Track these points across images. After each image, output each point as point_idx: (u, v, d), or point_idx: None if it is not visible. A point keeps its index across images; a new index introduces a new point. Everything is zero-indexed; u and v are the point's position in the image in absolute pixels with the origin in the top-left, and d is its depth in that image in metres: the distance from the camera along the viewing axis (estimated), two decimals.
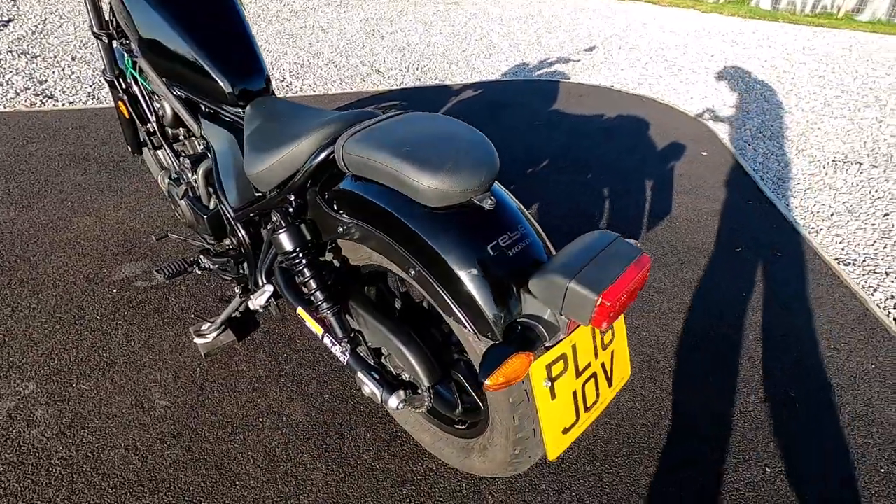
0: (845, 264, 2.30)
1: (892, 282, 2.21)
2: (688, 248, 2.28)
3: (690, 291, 2.02)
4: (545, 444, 0.84)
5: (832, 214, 2.67)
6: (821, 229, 2.54)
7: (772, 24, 6.82)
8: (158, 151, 1.82)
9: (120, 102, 1.68)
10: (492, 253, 0.85)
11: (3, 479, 1.23)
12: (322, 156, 0.98)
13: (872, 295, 2.13)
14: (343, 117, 1.03)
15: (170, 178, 1.56)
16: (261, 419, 1.41)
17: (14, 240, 1.96)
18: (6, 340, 1.57)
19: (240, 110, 1.29)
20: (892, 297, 2.12)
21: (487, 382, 0.75)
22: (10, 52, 3.63)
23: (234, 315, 1.60)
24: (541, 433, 0.99)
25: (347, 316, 1.17)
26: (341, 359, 1.11)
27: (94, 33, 1.57)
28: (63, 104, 3.04)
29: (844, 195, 2.85)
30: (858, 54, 5.55)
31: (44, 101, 3.05)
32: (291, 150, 1.02)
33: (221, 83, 1.25)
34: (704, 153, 3.16)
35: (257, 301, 1.20)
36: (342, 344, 1.10)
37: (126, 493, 1.22)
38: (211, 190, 1.39)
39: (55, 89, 3.20)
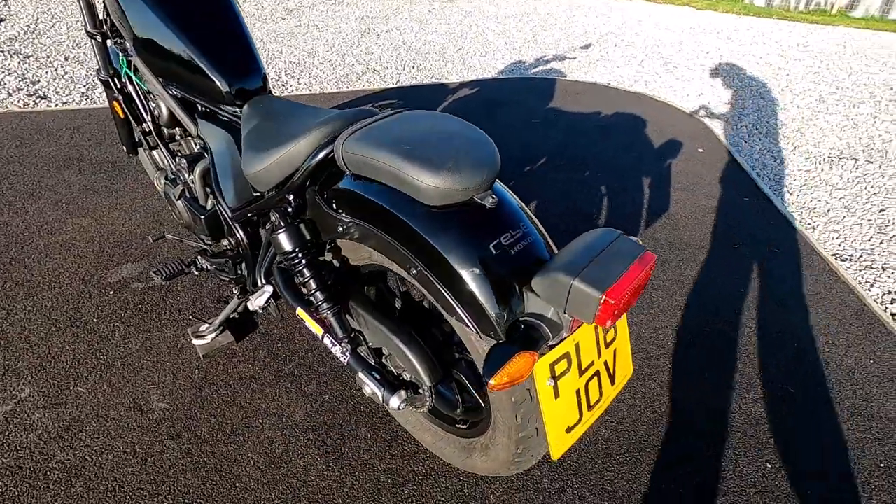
0: (842, 260, 2.31)
1: (889, 277, 2.22)
2: (686, 244, 2.28)
3: (689, 288, 2.02)
4: (549, 444, 0.84)
5: (828, 210, 2.68)
6: (817, 225, 2.55)
7: (766, 20, 6.84)
8: (154, 152, 1.81)
9: (115, 102, 1.66)
10: (494, 252, 0.84)
11: (0, 483, 1.21)
12: (321, 155, 0.97)
13: (869, 290, 2.14)
14: (342, 116, 1.02)
15: (166, 178, 1.55)
16: (260, 420, 1.41)
17: (8, 241, 1.94)
18: (1, 343, 1.55)
19: (237, 110, 1.28)
20: (889, 292, 2.13)
21: (492, 382, 0.74)
22: (2, 52, 3.60)
23: (232, 316, 1.59)
24: (543, 432, 0.99)
25: (347, 316, 1.17)
26: (342, 359, 1.11)
27: (88, 33, 1.55)
28: (56, 104, 3.01)
29: (840, 191, 2.87)
30: (852, 51, 5.57)
31: (37, 101, 3.02)
32: (290, 149, 1.02)
33: (218, 82, 1.24)
34: (701, 150, 3.17)
35: (256, 302, 1.19)
36: (343, 344, 1.10)
37: (125, 497, 1.21)
38: (208, 190, 1.38)
39: (48, 89, 3.17)
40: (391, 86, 3.75)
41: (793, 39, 5.91)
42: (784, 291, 2.04)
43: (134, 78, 1.53)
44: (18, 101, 2.99)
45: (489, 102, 3.58)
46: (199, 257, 1.46)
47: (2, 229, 2.00)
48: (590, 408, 0.88)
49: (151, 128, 1.56)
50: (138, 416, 1.39)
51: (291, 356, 1.59)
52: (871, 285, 2.16)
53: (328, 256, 1.18)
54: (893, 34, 6.47)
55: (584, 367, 0.86)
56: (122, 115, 1.67)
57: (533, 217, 0.93)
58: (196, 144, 1.47)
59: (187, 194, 1.44)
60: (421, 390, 1.08)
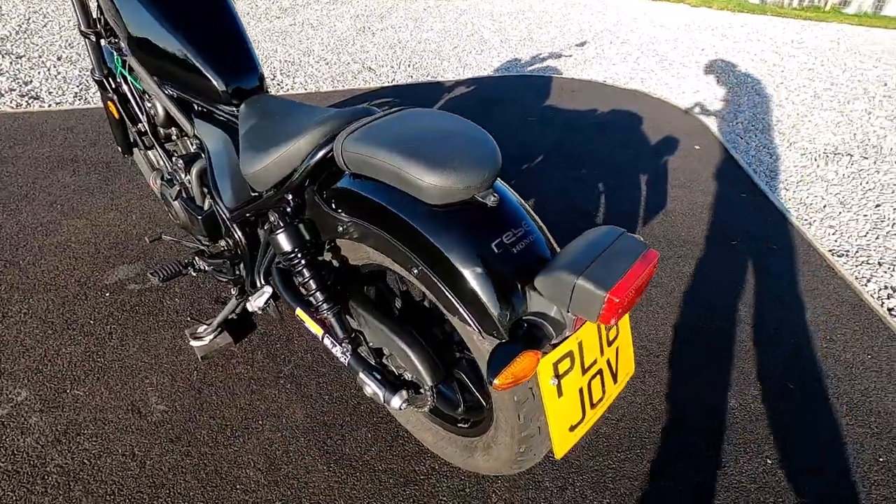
0: (839, 255, 2.32)
1: (885, 272, 2.23)
2: (683, 241, 2.29)
3: (687, 285, 2.02)
4: (552, 443, 0.84)
5: (825, 206, 2.69)
6: (814, 221, 2.56)
7: (760, 17, 6.86)
8: (150, 152, 1.79)
9: (109, 102, 1.64)
10: (496, 250, 0.84)
11: None
12: (320, 154, 0.96)
13: (866, 286, 2.15)
14: (341, 114, 1.02)
15: (162, 178, 1.54)
16: (260, 422, 1.40)
17: (2, 244, 1.92)
18: None
19: (234, 109, 1.27)
20: (886, 287, 2.14)
21: (496, 382, 0.74)
22: None
23: (230, 317, 1.58)
24: (546, 430, 0.99)
25: (347, 316, 1.16)
26: (342, 360, 1.10)
27: (81, 32, 1.53)
28: (49, 105, 2.98)
29: (836, 187, 2.88)
30: (846, 47, 5.60)
31: (29, 101, 2.99)
32: (289, 148, 1.01)
33: (215, 81, 1.23)
34: (697, 147, 3.17)
35: (256, 303, 1.18)
36: (343, 345, 1.09)
37: (124, 500, 1.20)
38: (205, 190, 1.37)
39: (41, 90, 3.14)
40: (387, 84, 3.74)
41: (787, 36, 5.93)
42: (782, 287, 2.05)
43: (129, 77, 1.52)
44: (11, 102, 2.96)
45: (485, 100, 3.58)
46: (196, 258, 1.45)
47: None
48: (592, 406, 0.88)
49: (147, 128, 1.55)
50: (137, 419, 1.38)
51: (290, 357, 1.59)
52: (868, 280, 2.17)
53: (327, 256, 1.17)
54: (886, 30, 6.51)
55: (586, 365, 0.85)
56: (116, 116, 1.66)
57: (534, 215, 0.93)
58: (192, 144, 1.46)
59: (184, 195, 1.43)
60: (422, 390, 1.08)
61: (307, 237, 1.09)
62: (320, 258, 1.16)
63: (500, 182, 0.96)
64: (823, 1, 7.30)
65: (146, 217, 2.12)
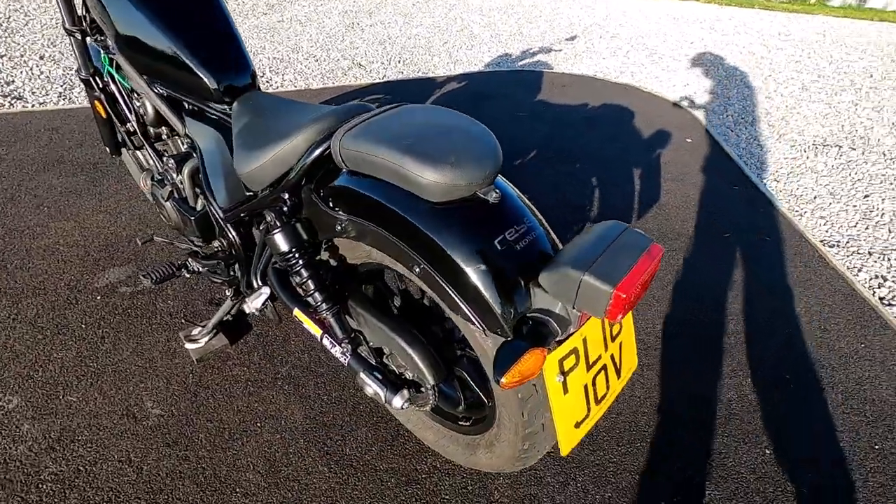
0: (830, 246, 2.34)
1: (875, 262, 2.26)
2: (677, 234, 2.30)
3: (682, 278, 2.03)
4: (558, 440, 0.83)
5: (815, 197, 2.71)
6: (805, 212, 2.58)
7: (748, 10, 6.90)
8: (139, 152, 1.76)
9: (96, 102, 1.61)
10: (499, 247, 0.83)
11: None
12: (317, 152, 0.95)
13: (857, 275, 2.17)
14: (337, 112, 1.00)
15: (152, 179, 1.51)
16: (259, 424, 1.38)
17: None
18: None
19: (226, 107, 1.24)
20: (876, 276, 2.17)
21: (503, 380, 0.73)
22: None
23: (225, 318, 1.56)
24: (549, 427, 0.99)
25: (347, 316, 1.15)
26: (342, 360, 1.09)
27: (66, 30, 1.50)
28: (33, 105, 2.92)
29: (826, 178, 2.91)
30: (832, 39, 5.65)
31: (12, 102, 2.93)
32: (284, 146, 0.99)
33: (206, 79, 1.21)
34: (689, 140, 3.19)
35: (253, 304, 1.17)
36: (343, 345, 1.08)
37: None
38: (198, 190, 1.34)
39: (24, 90, 3.07)
40: (378, 81, 3.71)
41: (774, 28, 5.98)
42: (775, 279, 2.07)
43: (116, 76, 1.49)
44: None
45: (477, 96, 3.56)
46: (189, 259, 1.43)
47: None
48: (597, 402, 0.88)
49: (136, 127, 1.52)
50: (132, 424, 1.36)
51: (288, 357, 1.57)
52: (859, 270, 2.20)
53: (325, 256, 1.15)
54: (871, 22, 6.58)
55: (591, 361, 0.85)
56: (104, 115, 1.62)
57: (536, 211, 0.92)
58: (184, 144, 1.43)
59: (176, 195, 1.40)
60: (423, 389, 1.07)
61: (304, 237, 1.08)
62: (318, 258, 1.15)
63: (500, 178, 0.95)
64: None
65: (136, 218, 2.09)
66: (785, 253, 2.23)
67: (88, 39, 1.54)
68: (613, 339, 0.90)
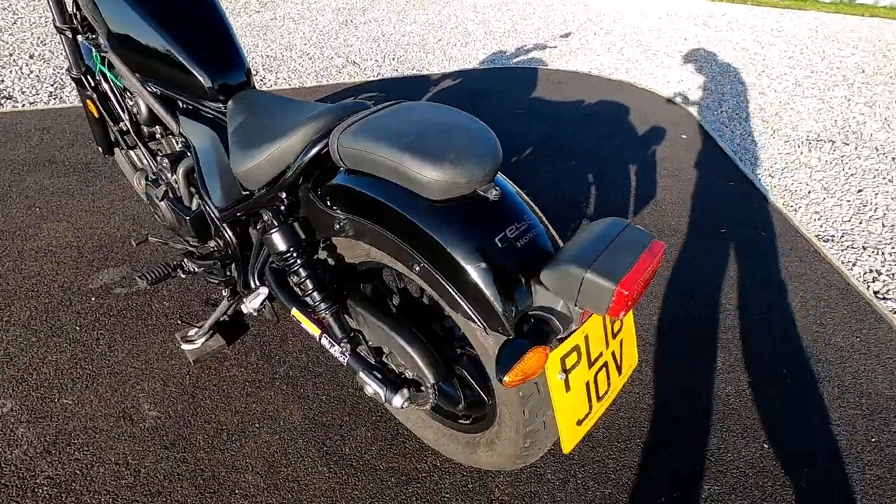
0: (824, 241, 2.36)
1: (869, 256, 2.27)
2: (674, 230, 2.30)
3: (679, 273, 2.03)
4: (561, 437, 0.83)
5: (809, 192, 2.73)
6: (799, 207, 2.60)
7: (740, 6, 6.92)
8: (132, 151, 1.74)
9: (88, 101, 1.59)
10: (499, 245, 0.83)
11: None
12: (315, 150, 0.94)
13: (852, 270, 2.18)
14: (334, 109, 0.99)
15: (146, 179, 1.49)
16: (257, 424, 1.37)
17: None
18: None
19: (220, 105, 1.23)
20: (871, 270, 2.18)
21: (506, 379, 0.73)
22: None
23: (222, 319, 1.54)
24: (551, 425, 0.98)
25: (345, 315, 1.14)
26: (341, 359, 1.08)
27: (56, 28, 1.48)
28: (23, 105, 2.89)
29: (820, 173, 2.92)
30: (824, 35, 5.68)
31: (2, 102, 2.89)
32: (281, 145, 0.98)
33: (200, 77, 1.19)
34: (684, 136, 3.19)
35: (251, 304, 1.16)
36: (342, 344, 1.07)
37: None
38: (193, 190, 1.33)
39: (13, 89, 3.03)
40: (372, 79, 3.70)
41: (766, 24, 6.00)
42: (771, 274, 2.07)
43: (109, 75, 1.47)
44: None
45: (472, 93, 3.55)
46: (185, 260, 1.41)
47: None
48: (599, 399, 0.88)
49: (129, 126, 1.50)
50: (129, 426, 1.34)
51: (285, 357, 1.56)
52: (854, 264, 2.21)
53: (323, 255, 1.15)
54: (862, 18, 6.62)
55: (593, 358, 0.85)
56: (96, 114, 1.60)
57: (536, 209, 0.91)
58: (178, 143, 1.41)
59: (170, 195, 1.38)
60: (423, 388, 1.06)
61: (302, 236, 1.07)
62: (316, 257, 1.14)
63: (500, 175, 0.94)
64: None
65: (130, 219, 2.07)
66: (780, 248, 2.24)
67: (79, 37, 1.52)
68: (614, 335, 0.89)
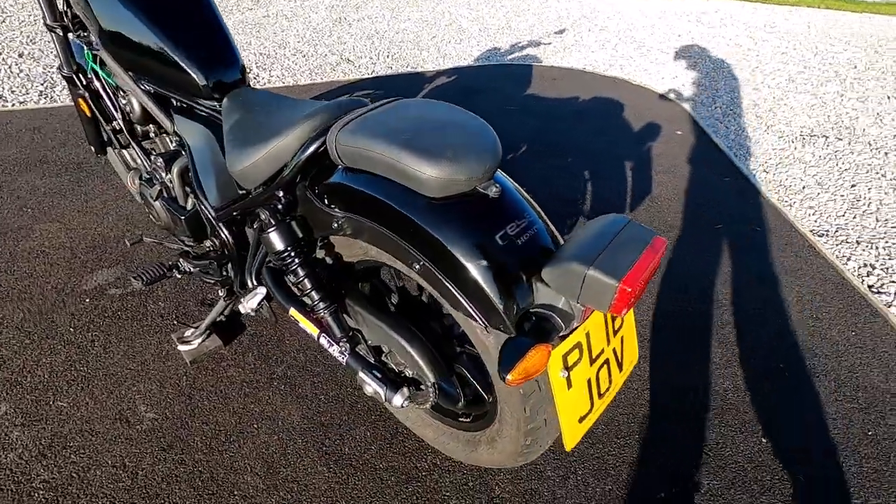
0: (819, 235, 2.37)
1: (863, 250, 2.28)
2: (670, 226, 2.31)
3: (676, 269, 2.04)
4: (563, 435, 0.83)
5: (803, 188, 2.74)
6: (794, 202, 2.61)
7: (733, 2, 6.94)
8: (125, 151, 1.72)
9: (80, 100, 1.57)
10: (500, 242, 0.82)
11: None
12: (312, 148, 0.93)
13: (846, 264, 2.20)
14: (331, 107, 0.98)
15: (140, 178, 1.47)
16: (255, 425, 1.36)
17: None
18: None
19: (215, 104, 1.22)
20: (865, 264, 2.20)
21: (509, 378, 0.72)
22: None
23: (218, 319, 1.53)
24: (552, 422, 0.98)
25: (344, 314, 1.13)
26: (340, 359, 1.07)
27: (47, 26, 1.46)
28: (13, 104, 2.85)
29: (813, 168, 2.93)
30: (816, 31, 5.71)
31: None
32: (278, 143, 0.97)
33: (194, 75, 1.18)
34: (679, 132, 3.20)
35: (249, 304, 1.15)
36: (341, 344, 1.06)
37: None
38: (188, 189, 1.32)
39: (3, 89, 2.99)
40: (367, 76, 3.68)
41: (759, 21, 6.02)
42: (767, 269, 2.08)
43: (101, 73, 1.45)
44: None
45: (467, 90, 3.54)
46: (180, 260, 1.40)
47: None
48: (600, 396, 0.88)
49: (122, 125, 1.48)
50: (125, 429, 1.33)
51: (283, 357, 1.55)
52: (848, 259, 2.22)
53: (321, 254, 1.14)
54: (854, 14, 6.66)
55: (594, 355, 0.85)
56: (88, 113, 1.58)
57: (536, 206, 0.91)
58: (172, 142, 1.40)
59: (165, 194, 1.37)
60: (423, 386, 1.06)
61: (300, 235, 1.06)
62: (314, 256, 1.13)
63: (500, 172, 0.94)
64: None
65: (123, 219, 2.04)
66: (775, 243, 2.25)
67: (70, 35, 1.50)
68: (616, 332, 0.89)
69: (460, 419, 1.23)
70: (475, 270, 0.81)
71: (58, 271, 1.78)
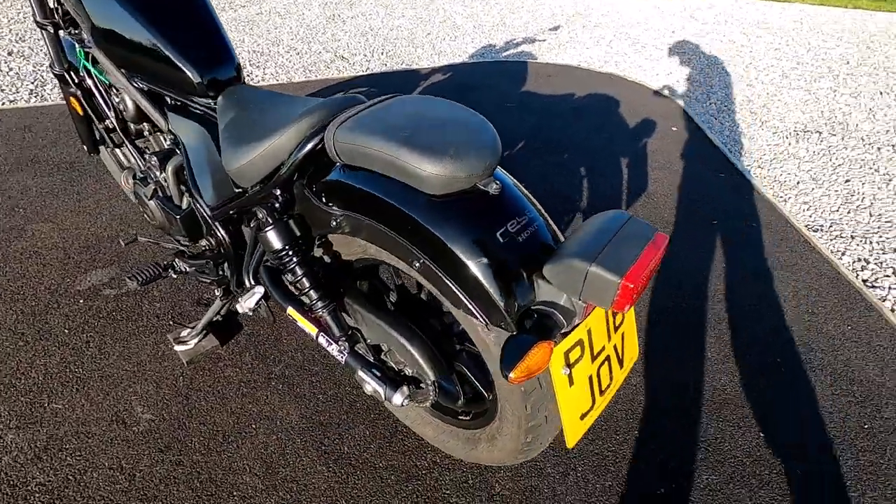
0: (814, 230, 2.38)
1: (858, 245, 2.30)
2: (666, 222, 2.31)
3: (672, 266, 2.04)
4: (564, 432, 0.83)
5: (798, 183, 2.75)
6: (789, 198, 2.62)
7: None
8: (119, 149, 1.70)
9: (72, 98, 1.55)
10: (501, 240, 0.82)
11: None
12: (310, 146, 0.92)
13: (841, 259, 2.21)
14: (328, 104, 0.97)
15: (134, 177, 1.46)
16: (253, 425, 1.35)
17: None
18: None
19: (210, 101, 1.20)
20: (859, 259, 2.21)
21: (512, 375, 0.72)
22: None
23: (215, 319, 1.52)
24: (553, 419, 0.98)
25: (343, 313, 1.12)
26: (339, 358, 1.07)
27: (37, 23, 1.43)
28: (3, 103, 2.81)
29: (808, 164, 2.95)
30: (809, 27, 5.73)
31: None
32: (275, 141, 0.96)
33: (189, 73, 1.16)
34: (674, 128, 3.21)
35: (247, 304, 1.14)
36: (339, 343, 1.06)
37: None
38: (183, 188, 1.30)
39: None
40: (361, 73, 3.66)
41: (752, 17, 6.04)
42: (762, 264, 2.09)
43: (93, 70, 1.43)
44: None
45: (462, 87, 3.53)
46: (176, 259, 1.39)
47: None
48: (601, 393, 0.88)
49: (115, 124, 1.47)
50: (122, 430, 1.32)
51: (280, 357, 1.54)
52: (843, 254, 2.24)
53: (319, 252, 1.13)
54: (845, 10, 6.69)
55: (595, 352, 0.84)
56: (80, 112, 1.56)
57: (536, 203, 0.91)
58: (166, 140, 1.38)
59: (160, 194, 1.36)
60: (423, 385, 1.05)
61: (297, 233, 1.05)
62: (312, 254, 1.12)
63: (500, 169, 0.93)
64: None
65: (117, 218, 2.02)
66: (771, 238, 2.26)
67: (62, 33, 1.48)
68: (616, 329, 0.89)
69: (460, 417, 1.23)
70: (476, 268, 0.80)
71: (51, 272, 1.76)
